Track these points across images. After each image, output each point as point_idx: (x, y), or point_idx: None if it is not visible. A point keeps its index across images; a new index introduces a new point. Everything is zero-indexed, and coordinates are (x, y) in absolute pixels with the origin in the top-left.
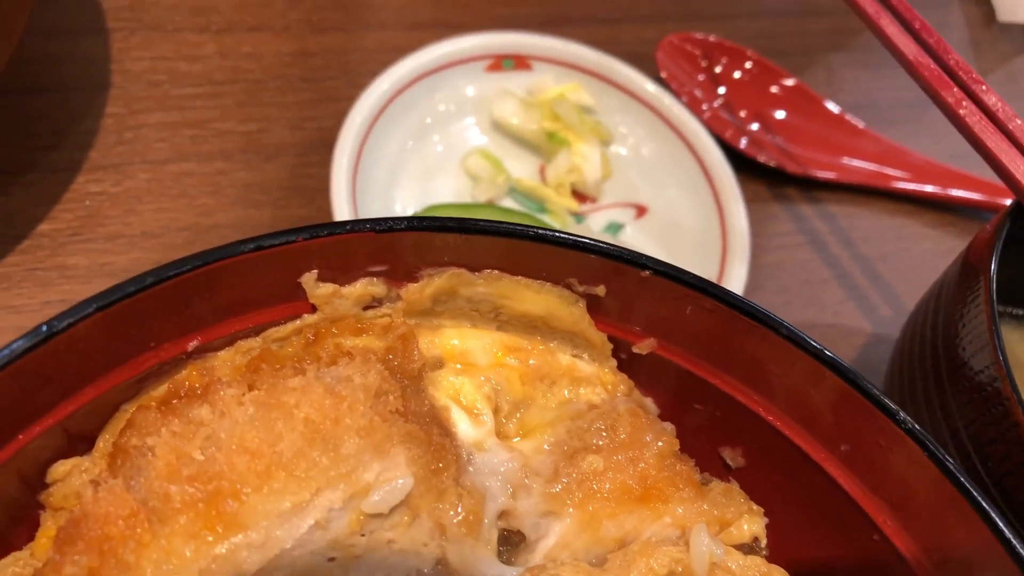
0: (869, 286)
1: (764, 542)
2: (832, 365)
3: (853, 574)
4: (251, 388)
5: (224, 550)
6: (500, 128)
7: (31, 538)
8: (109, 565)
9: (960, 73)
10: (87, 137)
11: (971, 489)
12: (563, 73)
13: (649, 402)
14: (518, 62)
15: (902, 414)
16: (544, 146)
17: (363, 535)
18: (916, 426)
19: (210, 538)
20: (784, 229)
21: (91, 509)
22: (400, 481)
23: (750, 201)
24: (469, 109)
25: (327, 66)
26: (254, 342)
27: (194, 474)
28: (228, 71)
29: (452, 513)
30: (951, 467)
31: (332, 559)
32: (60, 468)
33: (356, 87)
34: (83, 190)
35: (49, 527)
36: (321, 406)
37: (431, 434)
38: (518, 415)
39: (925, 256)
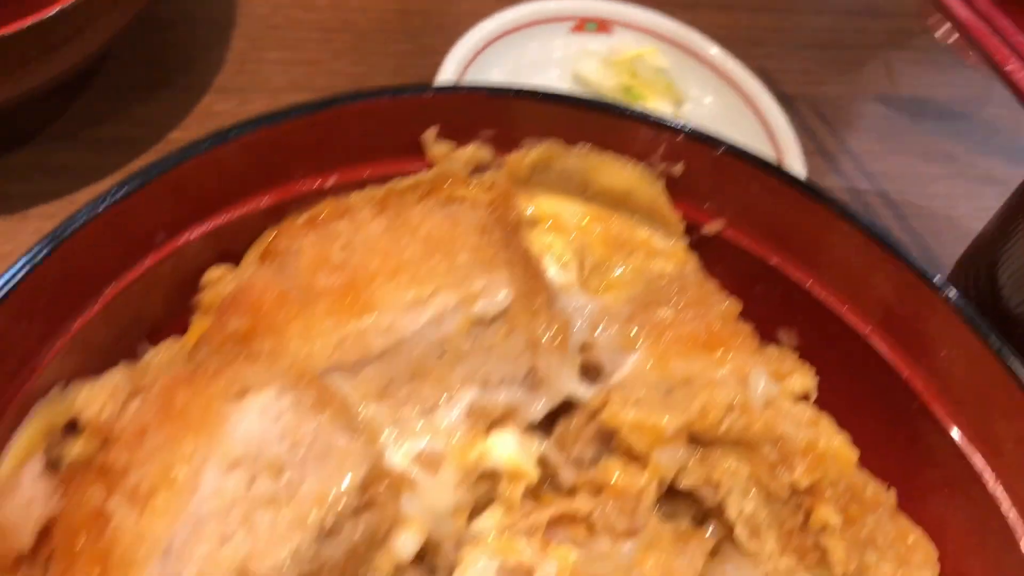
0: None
1: (813, 397)
2: (885, 241)
3: (896, 446)
4: (381, 212)
5: (357, 330)
6: (580, 82)
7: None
8: (262, 328)
9: None
10: (214, 65)
11: (1012, 364)
12: (642, 38)
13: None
14: (600, 25)
15: (952, 291)
16: (621, 100)
17: (469, 338)
18: (962, 299)
19: (345, 319)
20: None
21: (246, 285)
22: (503, 293)
23: None
24: (553, 64)
25: (425, 24)
26: (380, 189)
27: (334, 268)
28: (339, 21)
29: (543, 331)
30: (994, 343)
31: (442, 355)
32: (212, 273)
33: (451, 44)
34: (209, 108)
35: (198, 326)
36: (440, 225)
37: (528, 266)
38: (599, 274)
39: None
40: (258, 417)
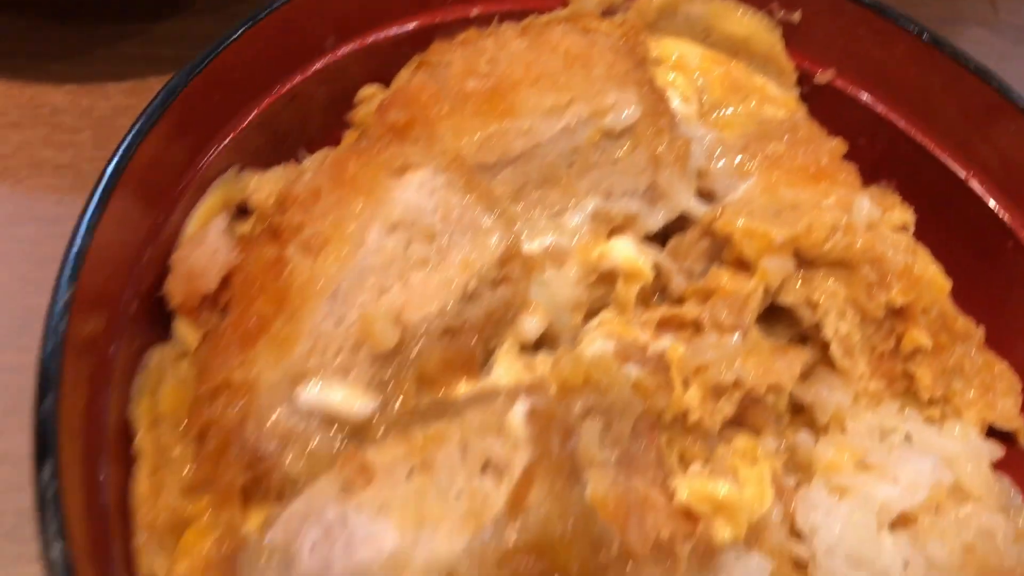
0: None
1: (911, 231)
2: (996, 86)
3: (988, 286)
4: (524, 34)
5: (500, 130)
6: None
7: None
8: (418, 121)
9: None
10: None
11: None
12: None
13: None
14: None
15: None
16: None
17: (598, 150)
18: None
19: (490, 119)
20: None
21: (404, 86)
22: (632, 108)
23: None
24: None
25: None
26: (520, 24)
27: (482, 75)
28: None
29: (666, 150)
30: None
31: (572, 164)
32: (366, 91)
33: None
34: None
35: (351, 138)
36: (578, 43)
37: (654, 90)
38: (716, 113)
39: None
40: (416, 190)
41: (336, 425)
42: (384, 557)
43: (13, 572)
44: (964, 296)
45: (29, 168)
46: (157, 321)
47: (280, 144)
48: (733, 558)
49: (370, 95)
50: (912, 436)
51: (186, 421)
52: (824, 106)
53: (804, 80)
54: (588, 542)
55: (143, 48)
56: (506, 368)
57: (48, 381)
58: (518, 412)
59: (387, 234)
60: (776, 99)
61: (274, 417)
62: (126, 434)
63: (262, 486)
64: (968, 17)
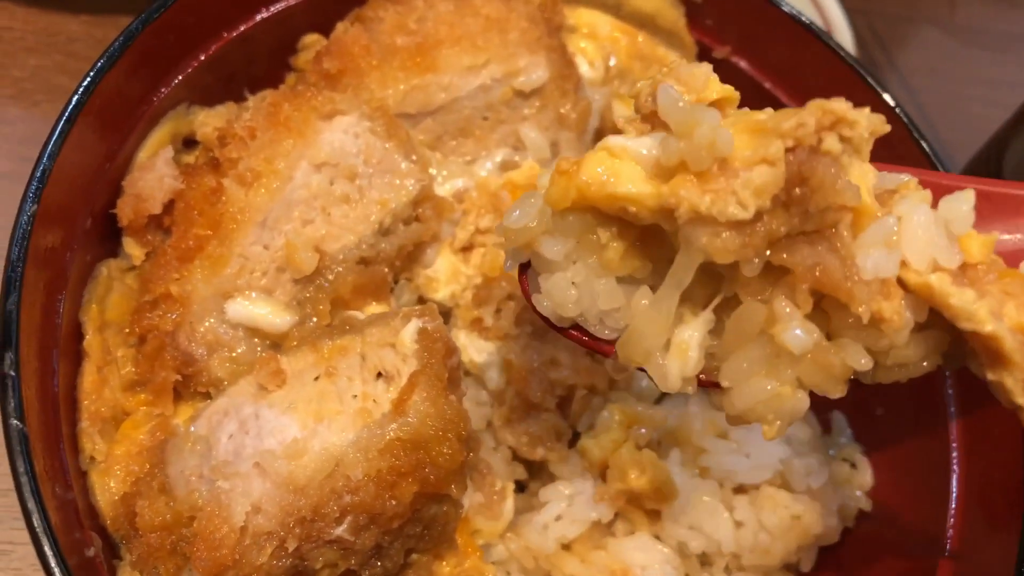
0: None
1: None
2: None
3: None
4: None
5: (423, 83)
6: None
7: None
8: (349, 70)
9: None
10: None
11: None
12: None
13: None
14: None
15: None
16: None
17: (509, 107)
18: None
19: (415, 73)
20: None
21: (339, 37)
22: (540, 71)
23: None
24: None
25: None
26: None
27: (409, 32)
28: None
29: (569, 110)
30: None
31: (486, 118)
32: (308, 38)
33: None
34: None
35: (291, 82)
36: (498, 9)
37: (564, 56)
38: (621, 82)
39: None
40: (342, 133)
41: (258, 336)
42: (286, 446)
43: None
44: None
45: (44, 92)
46: (108, 238)
47: (228, 84)
48: None
49: (312, 42)
50: None
51: (129, 327)
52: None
53: (705, 53)
54: (457, 440)
55: None
56: (442, 261)
57: (12, 283)
58: (410, 330)
59: (314, 171)
60: None
61: (205, 326)
62: (76, 335)
63: (191, 385)
64: (925, 16)
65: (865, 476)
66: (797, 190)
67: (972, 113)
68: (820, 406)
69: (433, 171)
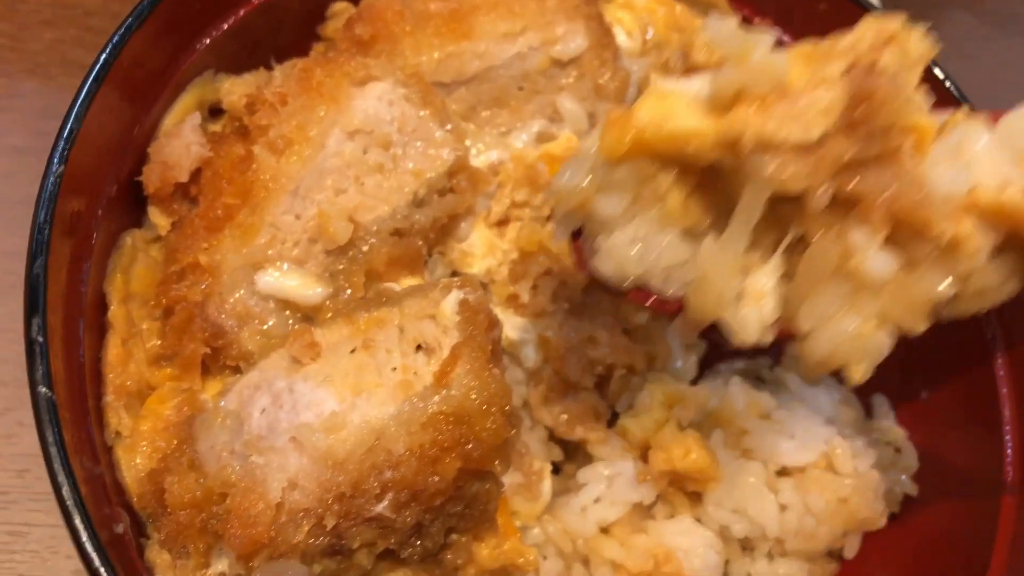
0: None
1: None
2: None
3: None
4: None
5: (457, 50)
6: None
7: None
8: (382, 36)
9: None
10: None
11: None
12: None
13: None
14: None
15: None
16: None
17: (545, 77)
18: None
19: (449, 40)
20: None
21: (372, 3)
22: (579, 40)
23: None
24: None
25: None
26: None
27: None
28: None
29: (608, 80)
30: None
31: (521, 88)
32: (336, 6)
33: None
34: None
35: (319, 50)
36: None
37: (602, 25)
38: (658, 52)
39: None
40: (376, 100)
41: (290, 309)
42: (323, 419)
43: None
44: None
45: (60, 66)
46: (133, 207)
47: (254, 51)
48: None
49: (341, 10)
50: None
51: (154, 299)
52: None
53: (745, 24)
54: (501, 415)
55: None
56: (477, 235)
57: (40, 246)
58: (451, 301)
59: (347, 139)
60: None
61: (235, 298)
62: (101, 306)
63: (220, 359)
64: (957, 2)
65: (911, 460)
66: (860, 109)
67: (1006, 100)
68: (861, 389)
69: (468, 142)
